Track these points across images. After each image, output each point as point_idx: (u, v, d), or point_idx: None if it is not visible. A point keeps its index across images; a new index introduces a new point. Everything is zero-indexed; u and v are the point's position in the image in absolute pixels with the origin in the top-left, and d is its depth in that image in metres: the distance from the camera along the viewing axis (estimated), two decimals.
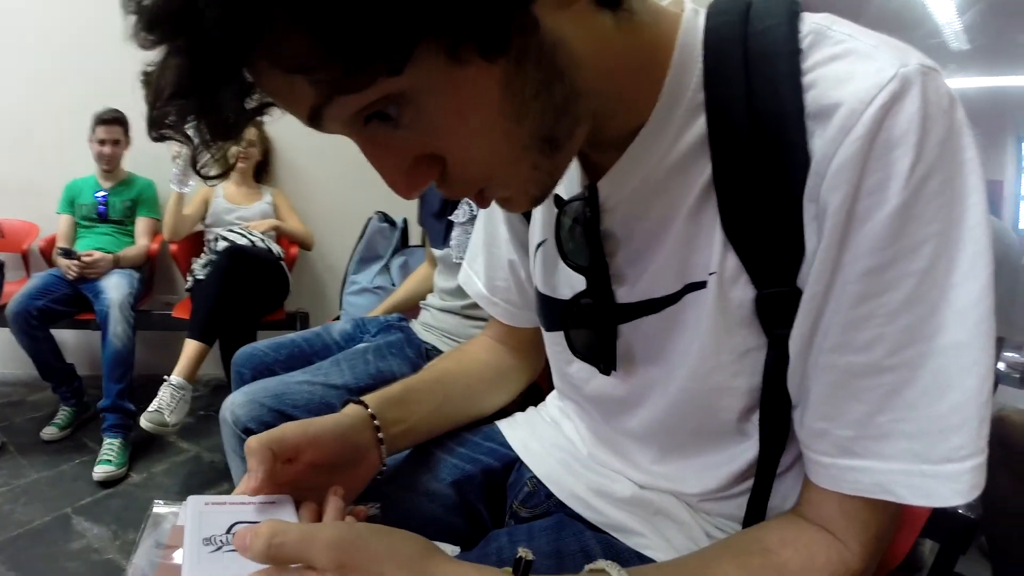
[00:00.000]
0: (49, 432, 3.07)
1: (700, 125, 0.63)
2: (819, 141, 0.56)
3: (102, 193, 3.47)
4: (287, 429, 0.74)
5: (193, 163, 0.53)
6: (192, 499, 0.68)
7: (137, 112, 0.49)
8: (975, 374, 0.55)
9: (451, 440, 1.01)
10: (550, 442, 0.97)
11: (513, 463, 0.99)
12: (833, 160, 0.55)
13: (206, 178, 0.56)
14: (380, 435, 0.85)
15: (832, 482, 0.62)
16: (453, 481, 0.95)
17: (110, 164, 3.45)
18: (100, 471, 2.70)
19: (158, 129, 0.50)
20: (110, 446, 2.82)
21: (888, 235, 0.54)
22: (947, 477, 0.56)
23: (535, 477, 0.94)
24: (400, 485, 0.94)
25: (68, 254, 3.08)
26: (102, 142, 3.40)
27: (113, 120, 3.39)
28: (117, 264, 3.22)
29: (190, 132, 0.50)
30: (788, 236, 0.60)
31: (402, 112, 0.51)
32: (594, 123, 0.62)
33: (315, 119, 0.51)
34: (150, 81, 0.48)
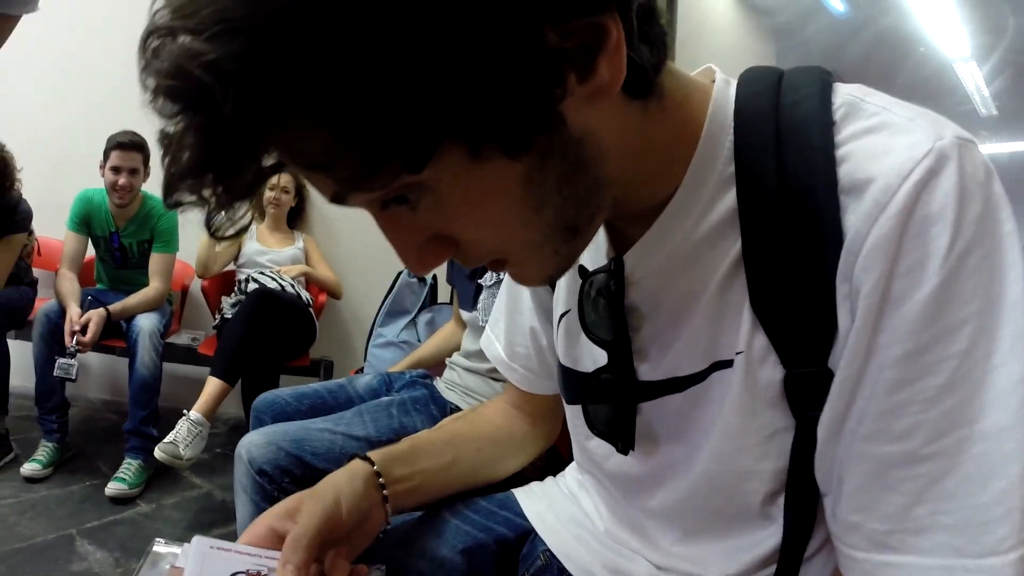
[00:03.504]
0: (31, 469, 2.85)
1: (730, 198, 0.62)
2: (852, 217, 0.55)
3: (114, 231, 3.21)
4: (316, 525, 0.73)
5: (208, 224, 0.52)
6: (197, 540, 0.68)
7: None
8: (1019, 459, 0.51)
9: (464, 505, 0.99)
10: (566, 515, 0.94)
11: (527, 534, 0.96)
12: (867, 238, 0.53)
13: (220, 238, 0.55)
14: (385, 492, 0.84)
15: None
16: (464, 549, 0.92)
17: (123, 199, 3.08)
18: (113, 487, 2.74)
19: (174, 199, 0.48)
20: (128, 466, 2.85)
21: (926, 317, 0.52)
22: (990, 571, 0.52)
23: (549, 550, 0.91)
24: (408, 550, 0.92)
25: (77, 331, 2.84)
26: (116, 170, 3.03)
27: (131, 146, 3.02)
28: (111, 319, 2.94)
29: (206, 195, 0.48)
30: (819, 315, 0.58)
31: (420, 199, 0.52)
32: (618, 201, 0.62)
33: (336, 202, 0.52)
34: (168, 146, 0.46)
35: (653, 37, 0.56)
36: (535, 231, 0.56)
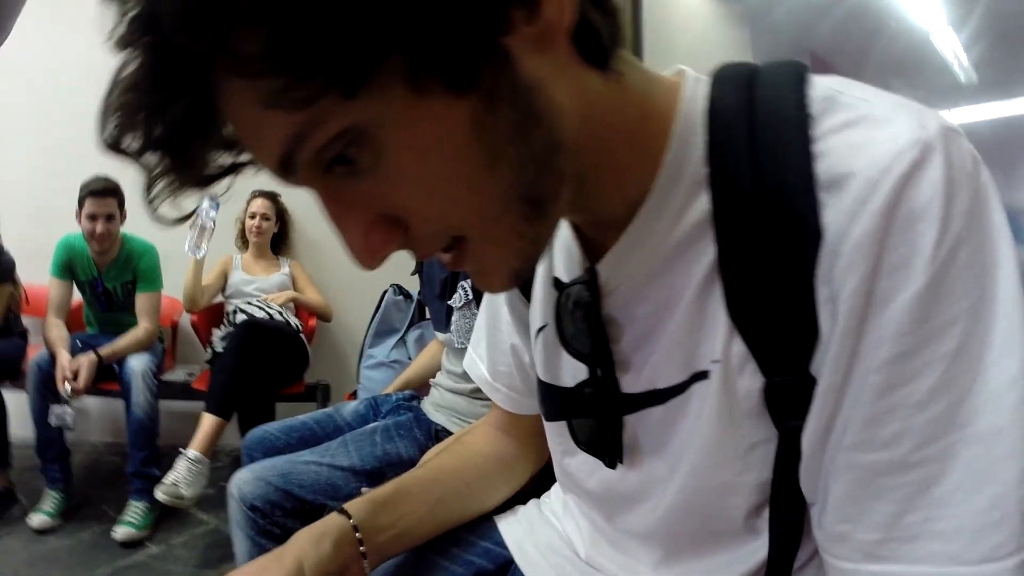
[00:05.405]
0: (40, 520, 2.84)
1: (704, 202, 0.59)
2: (832, 214, 0.51)
3: (96, 276, 3.21)
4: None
5: (147, 191, 0.50)
6: None
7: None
8: (1015, 462, 0.49)
9: (445, 540, 0.96)
10: (546, 544, 0.91)
11: (508, 565, 0.93)
12: (849, 236, 0.50)
13: (158, 220, 0.53)
14: (363, 549, 0.81)
15: None
16: None
17: (103, 245, 3.08)
18: (121, 532, 2.75)
19: (110, 131, 0.47)
20: (135, 509, 2.86)
21: (914, 318, 0.49)
22: None
23: None
24: None
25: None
26: (93, 218, 3.01)
27: (105, 192, 3.00)
28: (102, 363, 2.96)
29: (149, 158, 0.48)
30: (799, 320, 0.55)
31: (361, 155, 0.48)
32: (587, 192, 0.59)
33: (284, 170, 0.50)
34: (113, 87, 0.46)
35: (605, 8, 0.55)
36: (490, 197, 0.52)
